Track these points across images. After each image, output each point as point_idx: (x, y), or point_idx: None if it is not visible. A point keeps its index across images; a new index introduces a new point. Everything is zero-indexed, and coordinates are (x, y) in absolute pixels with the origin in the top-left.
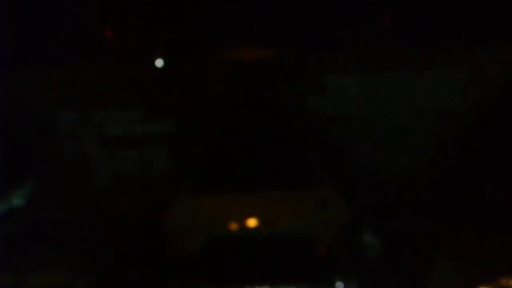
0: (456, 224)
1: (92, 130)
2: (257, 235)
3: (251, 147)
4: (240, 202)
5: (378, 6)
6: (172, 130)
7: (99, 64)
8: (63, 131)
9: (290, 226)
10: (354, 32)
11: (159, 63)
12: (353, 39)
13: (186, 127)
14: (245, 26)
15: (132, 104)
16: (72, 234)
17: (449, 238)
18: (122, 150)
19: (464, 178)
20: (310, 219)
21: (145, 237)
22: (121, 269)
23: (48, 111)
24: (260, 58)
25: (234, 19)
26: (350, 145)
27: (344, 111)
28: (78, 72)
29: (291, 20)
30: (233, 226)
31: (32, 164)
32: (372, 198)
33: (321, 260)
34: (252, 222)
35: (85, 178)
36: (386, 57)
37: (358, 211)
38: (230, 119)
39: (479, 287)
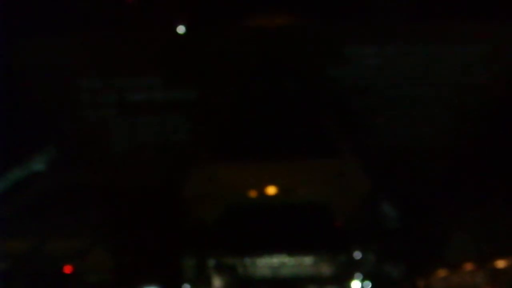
0: (475, 198)
1: (112, 97)
2: (275, 204)
3: (270, 116)
4: (259, 170)
5: None
6: (192, 97)
7: (120, 30)
8: (84, 97)
9: (308, 195)
10: (376, 3)
11: (180, 29)
12: (375, 10)
13: (206, 95)
14: None
15: (152, 71)
16: (92, 201)
17: (468, 211)
18: (142, 117)
19: (485, 152)
20: (329, 189)
21: (164, 204)
22: (139, 236)
23: (70, 77)
24: (281, 26)
25: None
26: (370, 115)
27: (365, 81)
28: (99, 38)
29: None
30: (252, 194)
31: (53, 130)
32: (392, 169)
33: (339, 229)
34: (271, 191)
35: (105, 145)
36: (408, 29)
37: (377, 182)
38: (250, 87)
39: (496, 259)
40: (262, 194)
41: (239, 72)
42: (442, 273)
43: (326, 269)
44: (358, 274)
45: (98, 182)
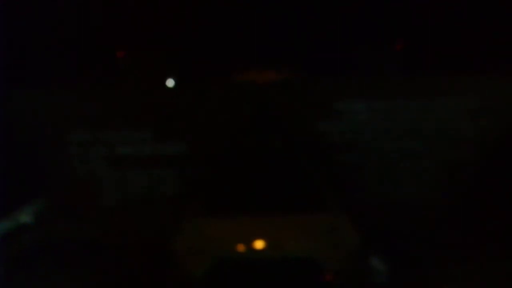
0: (464, 251)
1: (102, 150)
2: (265, 258)
3: (260, 170)
4: (248, 225)
5: (390, 33)
6: (182, 151)
7: (111, 84)
8: (73, 150)
9: (297, 250)
10: (365, 58)
11: (170, 83)
12: (364, 64)
13: (195, 149)
14: (257, 50)
15: (142, 125)
16: (80, 254)
17: (457, 265)
18: (131, 171)
19: (473, 205)
20: (317, 243)
21: (154, 259)
22: None
23: (59, 130)
24: (271, 81)
25: (246, 43)
26: (359, 170)
27: (354, 136)
28: (89, 92)
29: (303, 46)
30: (241, 248)
31: (42, 182)
32: (380, 223)
33: (329, 283)
34: (260, 245)
35: (94, 198)
36: (396, 84)
37: (365, 237)
38: (240, 141)
39: None
40: (251, 248)
41: (228, 126)
42: None
43: None
44: None
45: (86, 236)
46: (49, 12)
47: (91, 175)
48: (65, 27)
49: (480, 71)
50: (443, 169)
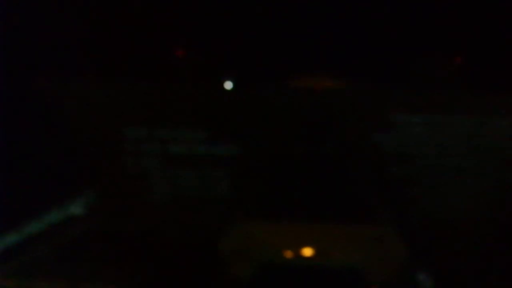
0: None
1: (156, 147)
2: (311, 266)
3: (311, 177)
4: (296, 231)
5: (451, 48)
6: (234, 154)
7: (169, 82)
8: (128, 146)
9: (344, 260)
10: (424, 71)
11: (228, 85)
12: (422, 78)
13: (248, 152)
14: (315, 57)
15: (197, 125)
16: (127, 247)
17: (506, 284)
18: (183, 169)
19: None
20: (364, 255)
21: (200, 258)
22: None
23: (116, 124)
24: (328, 88)
25: (305, 49)
26: (411, 184)
27: (408, 150)
28: (148, 89)
29: (363, 55)
30: (288, 254)
31: (94, 175)
32: (430, 238)
33: None
34: (307, 252)
35: (144, 193)
36: (454, 99)
37: (414, 251)
38: (293, 147)
39: None
40: (298, 255)
41: (282, 131)
42: None
43: None
44: None
45: (135, 231)
46: (114, 10)
47: (144, 171)
48: (129, 25)
49: None
50: (497, 187)
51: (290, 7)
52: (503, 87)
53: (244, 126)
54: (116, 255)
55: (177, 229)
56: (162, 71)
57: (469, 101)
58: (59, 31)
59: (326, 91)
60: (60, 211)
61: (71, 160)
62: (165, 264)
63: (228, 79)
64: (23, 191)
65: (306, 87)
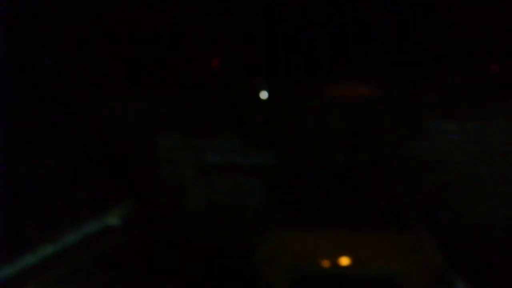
0: None
1: (191, 156)
2: (347, 275)
3: (346, 184)
4: (332, 239)
5: (486, 55)
6: (269, 162)
7: (204, 91)
8: (163, 155)
9: (381, 269)
10: (460, 78)
11: (263, 95)
12: (458, 84)
13: (283, 160)
14: (350, 64)
15: (232, 134)
16: (163, 257)
17: None
18: (219, 179)
19: None
20: (401, 263)
21: (236, 267)
22: None
23: (151, 133)
24: (363, 96)
25: (339, 56)
26: (447, 191)
27: (443, 157)
28: (183, 97)
29: (397, 62)
30: (325, 263)
31: (131, 185)
32: (466, 246)
33: None
34: (343, 261)
35: (181, 203)
36: (491, 106)
37: (450, 258)
38: (328, 155)
39: None
40: (334, 264)
41: (318, 139)
42: None
43: None
44: None
45: (171, 240)
46: (150, 19)
47: (179, 181)
48: (165, 34)
49: None
50: None
51: (327, 14)
52: None
53: (279, 134)
54: (152, 265)
55: (213, 238)
56: (198, 81)
57: (504, 108)
58: (95, 40)
59: (362, 99)
60: (97, 222)
61: (109, 171)
62: (200, 273)
63: (263, 88)
64: (60, 202)
65: (342, 94)
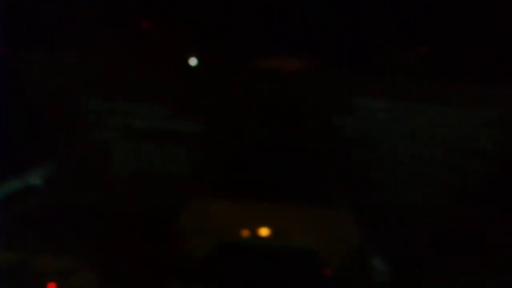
0: (468, 258)
1: (117, 121)
2: (267, 246)
3: (272, 157)
4: (254, 211)
5: (418, 36)
6: (196, 131)
7: (133, 55)
8: (89, 118)
9: (300, 242)
10: (391, 58)
11: (192, 61)
12: (389, 65)
13: (210, 130)
14: (284, 38)
15: (159, 100)
16: (84, 222)
17: (460, 270)
18: (145, 144)
19: (481, 215)
20: (321, 237)
21: (157, 234)
22: (127, 262)
23: (76, 96)
24: (294, 70)
25: (273, 29)
26: (370, 170)
27: (368, 135)
28: (109, 61)
29: (330, 38)
30: (245, 234)
31: (55, 146)
32: (386, 224)
33: (328, 278)
34: (264, 232)
35: (105, 168)
36: (417, 87)
37: (369, 235)
38: (255, 127)
39: None
40: (255, 235)
41: (244, 111)
42: None
43: None
44: None
45: (93, 204)
46: None
47: (104, 145)
48: None
49: (501, 83)
50: (454, 177)
51: None
52: (470, 78)
53: (207, 104)
54: (72, 228)
55: (136, 204)
56: (127, 44)
57: (434, 91)
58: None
59: (291, 73)
60: (19, 181)
61: (33, 131)
62: (120, 238)
63: (193, 55)
64: None
65: (271, 68)
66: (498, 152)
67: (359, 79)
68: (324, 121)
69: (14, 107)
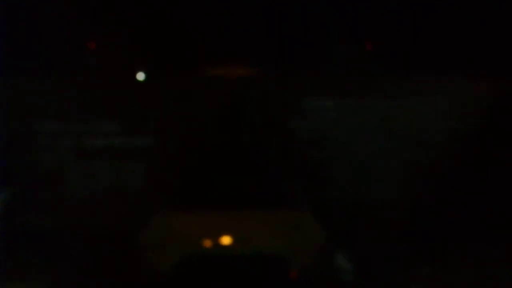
0: (430, 253)
1: (70, 141)
2: (231, 255)
3: (228, 165)
4: (215, 220)
5: (361, 32)
6: (151, 145)
7: (80, 74)
8: (40, 141)
9: (264, 246)
10: (336, 56)
11: (140, 76)
12: (334, 62)
13: (165, 143)
14: (228, 45)
15: (112, 117)
16: (45, 244)
17: (423, 265)
18: (100, 163)
19: (440, 207)
20: (283, 240)
21: (120, 251)
22: (92, 284)
23: (26, 119)
24: (242, 77)
25: (217, 37)
26: (326, 168)
27: (322, 134)
28: (58, 82)
29: (274, 42)
30: (208, 244)
31: (8, 171)
32: (347, 222)
33: (294, 282)
34: (227, 241)
35: (61, 189)
36: (367, 82)
37: (332, 235)
38: (209, 136)
39: None
40: (218, 244)
41: (198, 121)
42: None
43: None
44: None
45: (52, 227)
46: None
47: (59, 166)
48: (36, 16)
49: (451, 73)
50: (410, 169)
51: None
52: (416, 69)
53: (159, 117)
54: (32, 252)
55: (95, 224)
56: (74, 64)
57: (381, 84)
58: None
59: (239, 80)
60: None
61: None
62: (82, 259)
63: (140, 70)
64: None
65: (219, 75)
66: (451, 141)
67: (307, 79)
68: (276, 125)
69: None
